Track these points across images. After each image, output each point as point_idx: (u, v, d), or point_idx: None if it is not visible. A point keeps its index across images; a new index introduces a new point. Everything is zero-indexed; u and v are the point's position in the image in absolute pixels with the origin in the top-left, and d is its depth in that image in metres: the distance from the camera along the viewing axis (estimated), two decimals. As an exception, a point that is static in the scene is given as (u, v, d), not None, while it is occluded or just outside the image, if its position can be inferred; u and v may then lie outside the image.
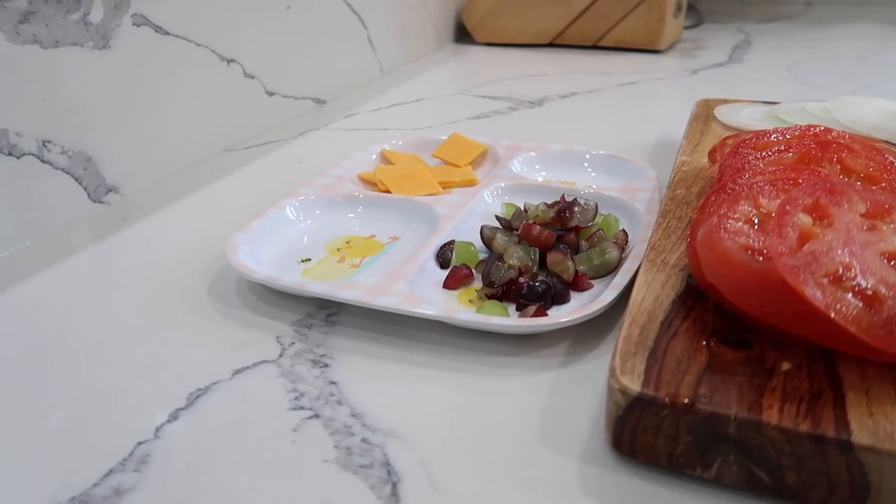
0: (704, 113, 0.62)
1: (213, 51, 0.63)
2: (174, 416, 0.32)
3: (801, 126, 0.46)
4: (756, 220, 0.33)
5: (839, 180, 0.34)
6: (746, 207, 0.34)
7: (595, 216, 0.45)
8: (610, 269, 0.41)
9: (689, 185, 0.46)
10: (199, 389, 0.33)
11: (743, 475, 0.27)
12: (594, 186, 0.52)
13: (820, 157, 0.40)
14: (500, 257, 0.41)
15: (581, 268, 0.41)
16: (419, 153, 0.60)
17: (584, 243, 0.42)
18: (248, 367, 0.35)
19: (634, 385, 0.27)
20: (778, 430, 0.25)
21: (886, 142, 0.52)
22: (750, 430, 0.26)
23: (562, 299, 0.39)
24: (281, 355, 0.36)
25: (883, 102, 0.58)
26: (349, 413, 0.32)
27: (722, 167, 0.43)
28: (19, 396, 0.34)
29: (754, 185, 0.35)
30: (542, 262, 0.41)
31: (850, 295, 0.28)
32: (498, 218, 0.46)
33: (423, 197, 0.50)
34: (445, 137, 0.61)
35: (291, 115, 0.76)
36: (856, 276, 0.28)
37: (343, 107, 0.81)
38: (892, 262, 0.30)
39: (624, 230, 0.44)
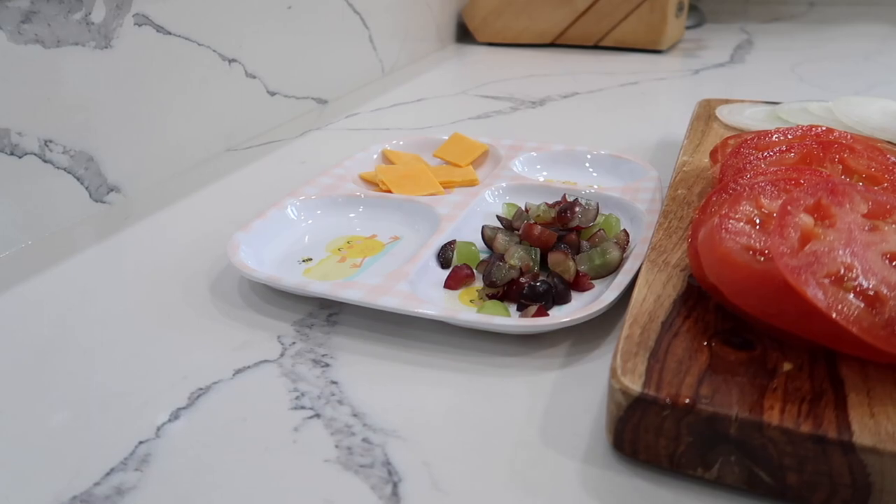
0: (706, 113, 0.62)
1: (214, 51, 0.63)
2: (175, 416, 0.32)
3: (803, 126, 0.45)
4: (758, 221, 0.33)
5: (841, 181, 0.34)
6: (748, 208, 0.34)
7: (596, 216, 0.45)
8: (611, 270, 0.41)
9: (691, 186, 0.46)
10: (201, 389, 0.33)
11: (744, 476, 0.26)
12: (595, 186, 0.52)
13: (822, 158, 0.40)
14: (502, 257, 0.41)
15: (582, 268, 0.41)
16: (420, 153, 0.60)
17: (585, 243, 0.42)
18: (249, 367, 0.35)
19: (636, 385, 0.27)
20: (779, 430, 0.25)
21: (889, 142, 0.52)
22: (751, 430, 0.26)
23: (563, 299, 0.39)
24: (282, 355, 0.36)
25: (886, 103, 0.57)
26: (350, 413, 0.32)
27: (723, 167, 0.43)
28: (21, 396, 0.34)
29: (756, 186, 0.35)
30: (544, 263, 0.41)
31: (851, 295, 0.28)
32: (499, 218, 0.46)
33: (425, 197, 0.50)
34: (447, 137, 0.61)
35: (293, 115, 0.76)
36: (857, 276, 0.28)
37: (344, 107, 0.81)
38: (894, 263, 0.30)
39: (625, 230, 0.44)
